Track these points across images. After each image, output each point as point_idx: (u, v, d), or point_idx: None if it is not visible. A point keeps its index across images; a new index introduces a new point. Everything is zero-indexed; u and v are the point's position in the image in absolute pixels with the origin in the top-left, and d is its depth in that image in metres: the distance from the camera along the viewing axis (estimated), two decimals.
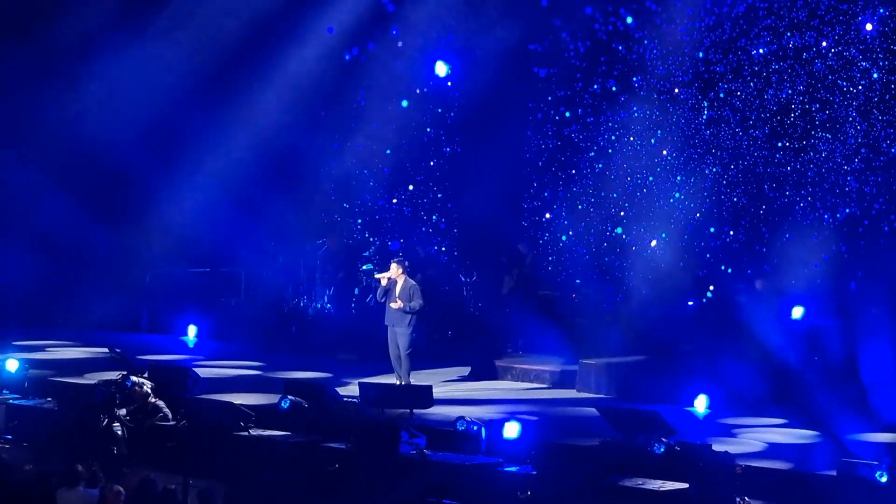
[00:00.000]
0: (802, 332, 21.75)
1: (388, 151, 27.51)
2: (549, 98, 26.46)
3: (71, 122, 26.72)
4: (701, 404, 20.73)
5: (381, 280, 21.25)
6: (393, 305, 21.05)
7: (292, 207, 27.74)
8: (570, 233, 26.41)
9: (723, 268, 24.90)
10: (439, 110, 27.32)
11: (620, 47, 25.69)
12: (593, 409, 18.34)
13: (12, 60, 26.47)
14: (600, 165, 26.21)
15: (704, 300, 24.47)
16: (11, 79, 26.85)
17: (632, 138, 25.76)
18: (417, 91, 27.21)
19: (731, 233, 25.32)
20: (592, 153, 26.26)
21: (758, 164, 25.08)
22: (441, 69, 26.83)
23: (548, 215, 26.91)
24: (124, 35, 26.66)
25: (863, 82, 24.04)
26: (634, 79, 25.62)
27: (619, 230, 25.94)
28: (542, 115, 26.66)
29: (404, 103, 27.18)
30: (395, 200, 28.11)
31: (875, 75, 23.98)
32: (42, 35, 26.65)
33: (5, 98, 27.06)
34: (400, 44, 26.83)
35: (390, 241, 27.73)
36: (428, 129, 27.47)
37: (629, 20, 25.47)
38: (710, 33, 24.96)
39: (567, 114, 26.46)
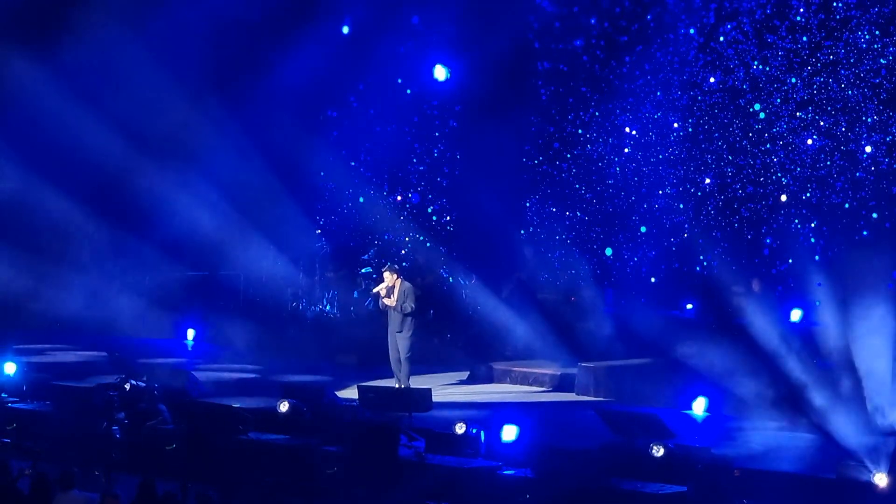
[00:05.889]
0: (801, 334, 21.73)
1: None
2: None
3: (66, 125, 26.57)
4: (699, 407, 20.71)
5: (380, 293, 21.22)
6: (386, 301, 21.05)
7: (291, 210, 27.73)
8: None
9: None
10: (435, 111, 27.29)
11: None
12: (592, 413, 18.32)
13: None
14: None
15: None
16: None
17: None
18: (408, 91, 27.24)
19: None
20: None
21: None
22: (440, 73, 26.83)
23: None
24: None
25: None
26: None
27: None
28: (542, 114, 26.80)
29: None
30: (399, 198, 28.08)
31: None
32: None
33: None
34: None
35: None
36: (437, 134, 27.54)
37: None
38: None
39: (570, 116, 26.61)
